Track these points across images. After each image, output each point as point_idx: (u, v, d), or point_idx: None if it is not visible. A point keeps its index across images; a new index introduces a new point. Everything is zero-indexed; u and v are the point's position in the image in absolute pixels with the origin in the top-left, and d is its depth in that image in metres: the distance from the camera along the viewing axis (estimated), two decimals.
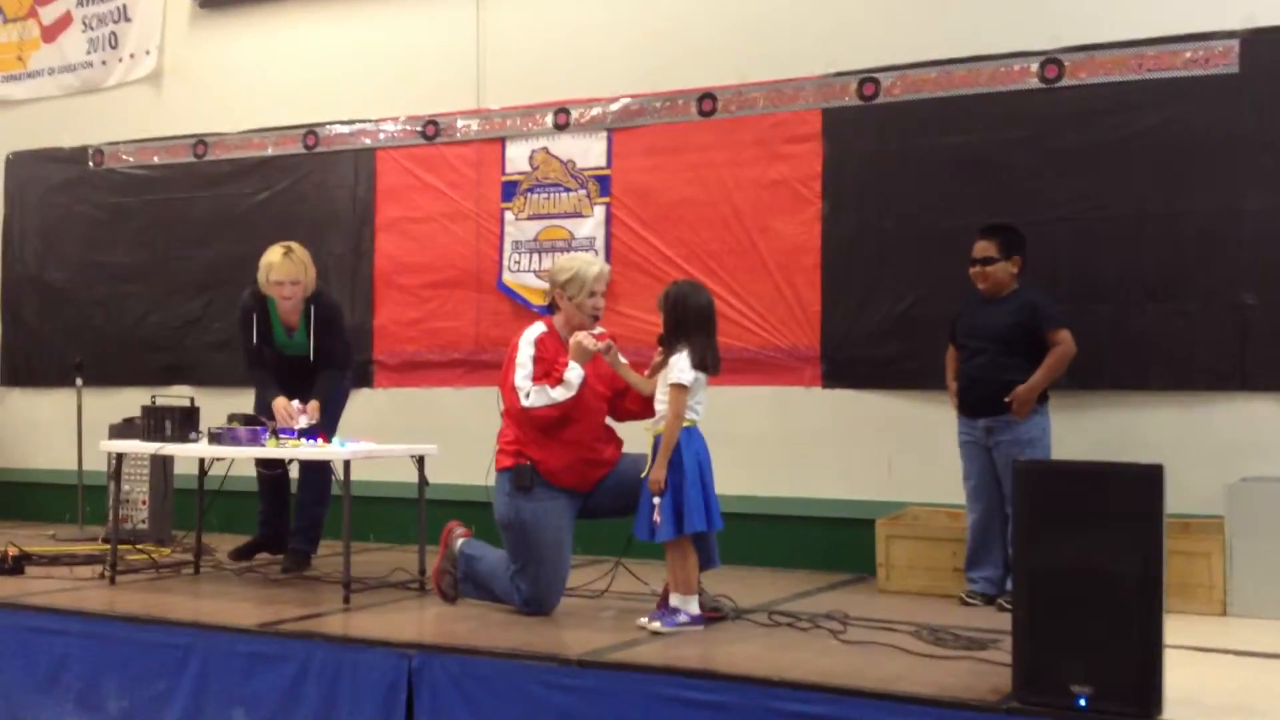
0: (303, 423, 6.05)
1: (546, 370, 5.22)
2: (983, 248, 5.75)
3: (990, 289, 5.74)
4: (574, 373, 5.15)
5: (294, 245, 6.40)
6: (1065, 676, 3.64)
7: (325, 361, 6.40)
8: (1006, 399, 5.53)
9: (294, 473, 6.59)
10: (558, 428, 5.22)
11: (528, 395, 5.18)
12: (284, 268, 6.26)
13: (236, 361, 8.05)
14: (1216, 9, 5.96)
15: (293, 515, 6.67)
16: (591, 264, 5.40)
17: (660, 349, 5.07)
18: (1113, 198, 6.12)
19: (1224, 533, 5.47)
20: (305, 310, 6.42)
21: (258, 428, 5.85)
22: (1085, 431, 5.94)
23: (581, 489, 5.34)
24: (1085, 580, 3.65)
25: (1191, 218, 5.98)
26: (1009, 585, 5.48)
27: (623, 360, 5.31)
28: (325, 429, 6.12)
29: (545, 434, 5.23)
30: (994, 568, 5.61)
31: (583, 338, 5.19)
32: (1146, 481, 3.66)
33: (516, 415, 5.26)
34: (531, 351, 5.25)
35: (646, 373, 5.22)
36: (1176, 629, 4.07)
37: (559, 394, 5.15)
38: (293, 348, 6.45)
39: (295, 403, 6.09)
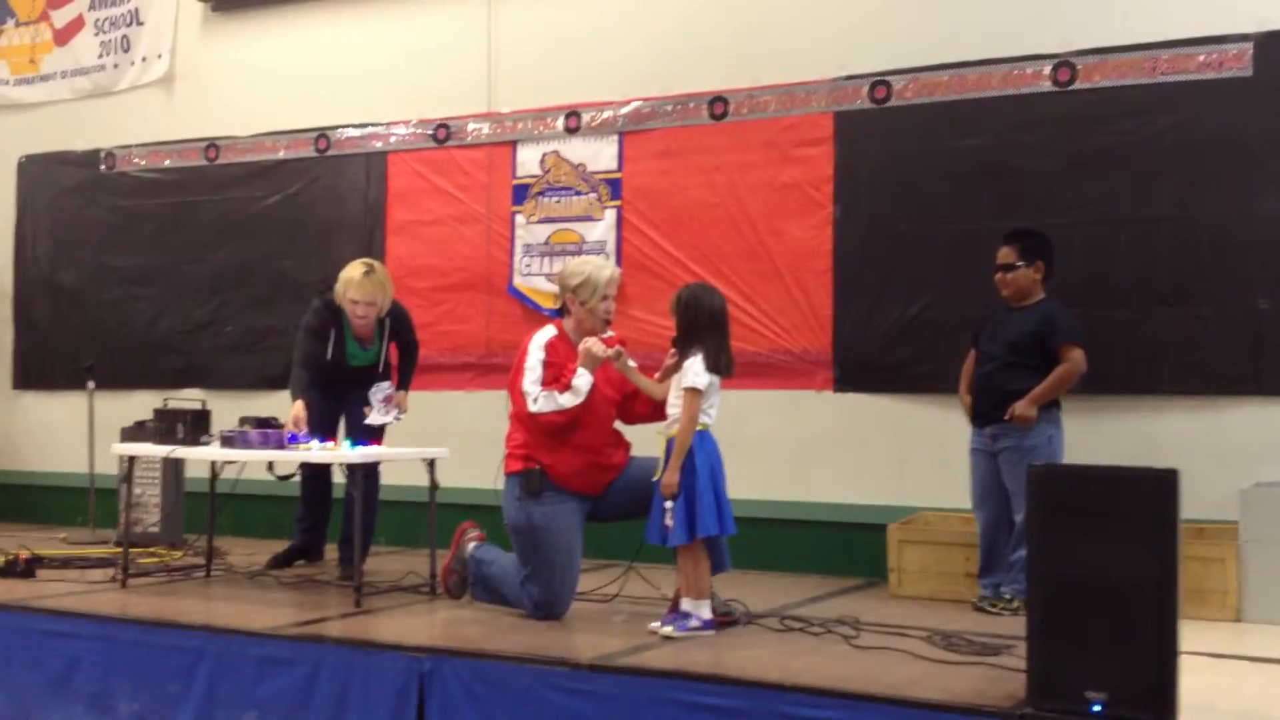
0: (391, 416, 6.14)
1: (556, 375, 5.21)
2: (1004, 254, 5.73)
3: (1013, 295, 5.73)
4: (583, 379, 5.14)
5: (376, 264, 6.35)
6: (1080, 682, 3.62)
7: (406, 354, 6.53)
8: (1007, 416, 5.52)
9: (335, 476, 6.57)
10: (567, 432, 5.21)
11: (535, 400, 5.17)
12: (363, 287, 6.18)
13: (248, 364, 8.16)
14: (1230, 12, 5.94)
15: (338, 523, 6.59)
16: (603, 268, 5.39)
17: (673, 351, 5.05)
18: (1126, 201, 6.10)
19: (1238, 538, 5.45)
20: (379, 331, 6.40)
21: (269, 431, 5.85)
22: (1098, 436, 5.92)
23: (591, 493, 5.34)
24: (1100, 586, 3.63)
25: (1205, 221, 5.96)
26: (1002, 590, 5.50)
27: (632, 364, 5.30)
28: (373, 439, 6.14)
29: (554, 438, 5.22)
30: (1002, 573, 5.60)
31: (592, 344, 5.18)
32: (1161, 486, 3.65)
33: (525, 420, 5.25)
34: (541, 356, 5.24)
35: (658, 376, 5.21)
36: (1190, 635, 4.04)
37: (567, 400, 5.14)
38: (362, 359, 6.42)
39: (386, 385, 6.18)
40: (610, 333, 5.47)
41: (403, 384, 6.47)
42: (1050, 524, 3.75)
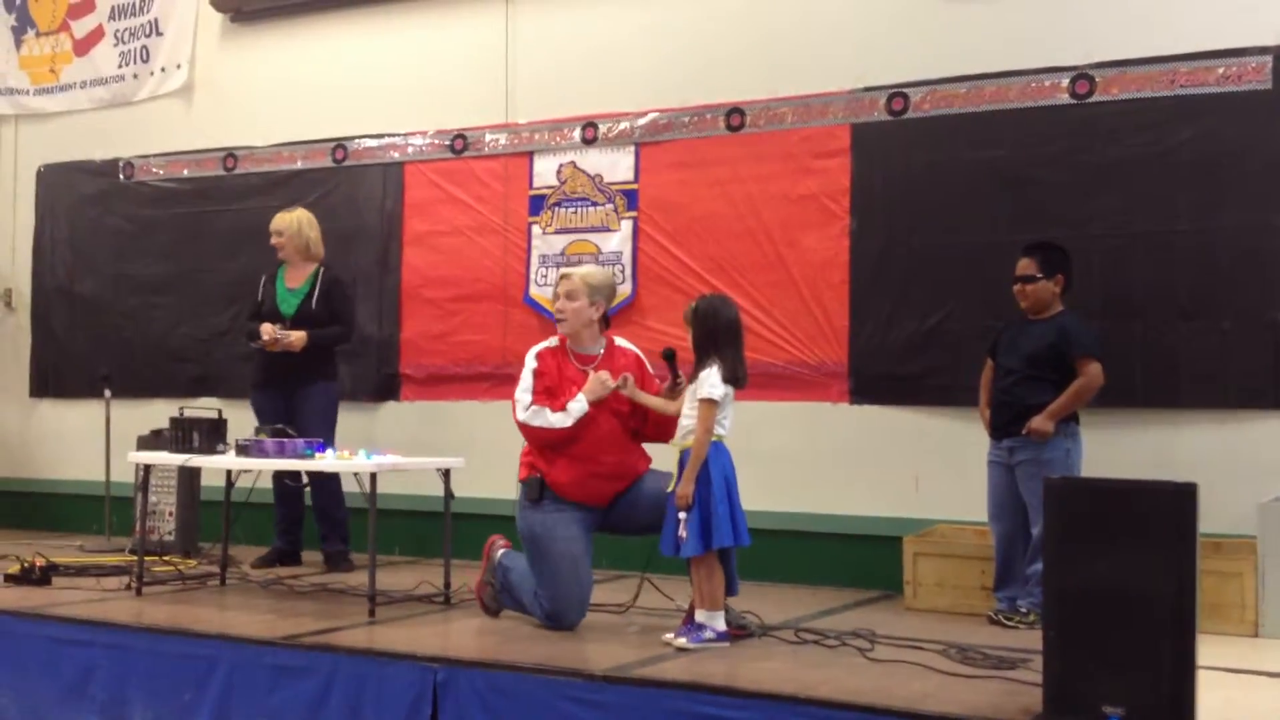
0: (284, 338, 6.75)
1: (548, 387, 5.26)
2: (1024, 265, 5.71)
3: (1032, 308, 5.71)
4: (577, 405, 5.20)
5: (293, 210, 7.25)
6: (1097, 696, 3.60)
7: (336, 321, 7.06)
8: (1024, 431, 5.50)
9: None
10: (563, 444, 5.24)
11: (526, 409, 5.25)
12: (274, 220, 7.19)
13: None
14: (1250, 25, 5.91)
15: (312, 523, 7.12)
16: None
17: (667, 367, 5.07)
18: (1144, 214, 6.07)
19: (1256, 553, 5.41)
20: (312, 276, 7.06)
21: (284, 440, 5.87)
22: (1116, 449, 5.88)
23: (594, 503, 5.33)
24: (1117, 599, 3.61)
25: (1224, 234, 5.93)
26: (1018, 604, 5.48)
27: (640, 392, 5.30)
28: (323, 437, 6.32)
29: (549, 450, 5.26)
30: (1017, 587, 5.57)
31: (604, 377, 5.24)
32: (1180, 500, 3.62)
33: (519, 429, 5.31)
34: (534, 366, 5.33)
35: (664, 387, 5.23)
36: (1208, 650, 4.02)
37: (557, 420, 5.19)
38: (285, 305, 7.03)
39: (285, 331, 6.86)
40: (624, 342, 5.54)
41: (311, 332, 6.90)
42: (1067, 537, 3.73)
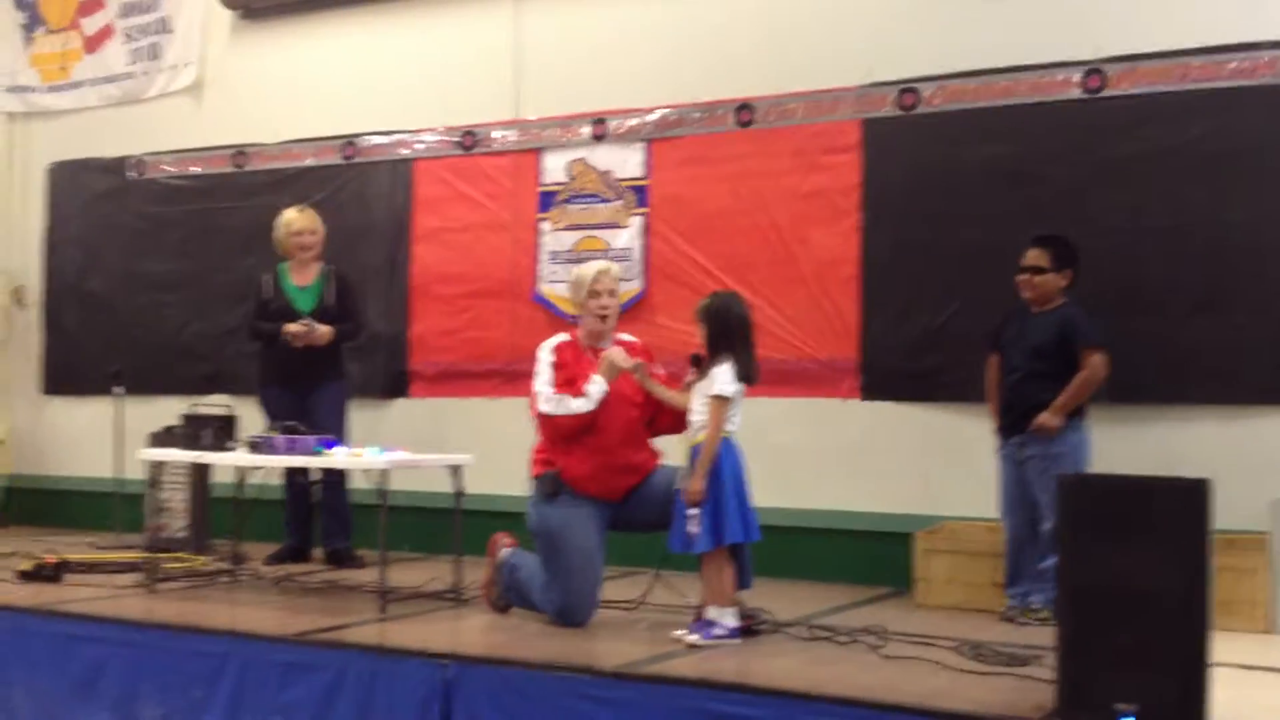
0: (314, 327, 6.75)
1: (568, 378, 5.26)
2: (1034, 256, 5.69)
3: (1036, 299, 5.69)
4: (596, 386, 5.18)
5: (305, 209, 7.20)
6: (1110, 694, 3.59)
7: (349, 319, 7.07)
8: (1032, 428, 5.49)
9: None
10: (581, 434, 5.23)
11: (546, 401, 5.24)
12: (303, 219, 7.08)
13: None
14: (1262, 19, 5.89)
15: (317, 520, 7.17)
16: (591, 265, 5.46)
17: (692, 369, 5.04)
18: (1157, 209, 6.05)
19: (1269, 549, 5.39)
20: (322, 274, 7.07)
21: (295, 437, 5.87)
22: (1129, 445, 5.85)
23: (610, 497, 5.33)
24: (1130, 596, 3.60)
25: (1237, 229, 5.90)
26: (1031, 600, 5.46)
27: (652, 380, 5.29)
28: (338, 435, 6.40)
29: (569, 441, 5.25)
30: (1029, 583, 5.56)
31: (615, 354, 5.22)
32: (1193, 496, 3.61)
33: (539, 422, 5.30)
34: (550, 359, 5.32)
35: (682, 385, 5.22)
36: (1220, 647, 4.00)
37: (578, 405, 5.19)
38: (302, 302, 6.97)
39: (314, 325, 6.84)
40: (629, 336, 5.53)
41: (336, 327, 6.93)
42: (1081, 534, 3.71)
